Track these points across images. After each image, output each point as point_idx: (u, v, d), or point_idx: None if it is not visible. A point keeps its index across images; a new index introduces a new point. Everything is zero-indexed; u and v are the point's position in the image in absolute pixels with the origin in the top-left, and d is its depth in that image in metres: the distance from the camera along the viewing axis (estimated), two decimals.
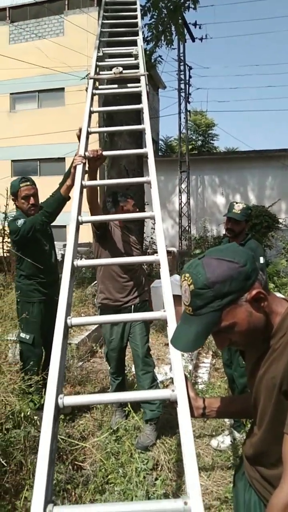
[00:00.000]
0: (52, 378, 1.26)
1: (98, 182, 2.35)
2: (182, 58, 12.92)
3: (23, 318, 2.88)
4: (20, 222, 2.77)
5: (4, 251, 6.91)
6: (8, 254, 6.77)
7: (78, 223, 1.84)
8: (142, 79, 3.03)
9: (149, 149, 2.27)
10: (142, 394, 1.25)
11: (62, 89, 16.41)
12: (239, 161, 14.40)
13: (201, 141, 24.57)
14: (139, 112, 6.31)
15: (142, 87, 2.96)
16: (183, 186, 13.94)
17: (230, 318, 0.99)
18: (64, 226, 9.66)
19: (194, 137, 23.60)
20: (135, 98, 5.38)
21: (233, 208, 2.99)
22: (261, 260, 2.86)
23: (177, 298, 4.37)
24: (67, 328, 1.43)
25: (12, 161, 17.66)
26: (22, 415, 2.50)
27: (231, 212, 2.98)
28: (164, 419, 3.12)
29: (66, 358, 3.67)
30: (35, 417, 2.65)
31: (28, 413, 2.55)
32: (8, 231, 2.98)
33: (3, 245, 6.91)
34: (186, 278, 1.02)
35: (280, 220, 10.78)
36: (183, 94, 13.27)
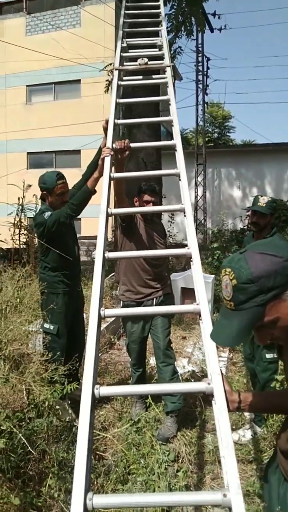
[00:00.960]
0: (88, 369, 1.27)
1: (126, 174, 2.35)
2: (200, 49, 12.76)
3: (48, 309, 2.91)
4: (47, 214, 2.78)
5: (21, 243, 6.95)
6: (25, 246, 6.81)
7: (108, 215, 1.84)
8: (168, 70, 3.00)
9: (177, 141, 2.25)
10: (178, 387, 1.25)
11: (79, 81, 16.36)
12: (256, 154, 14.22)
13: (218, 133, 24.31)
14: (158, 104, 6.28)
15: (168, 78, 2.94)
16: (199, 179, 13.83)
17: (273, 313, 0.98)
18: (79, 219, 9.68)
19: (210, 129, 23.33)
20: (153, 90, 5.35)
21: (258, 201, 2.95)
22: None
23: (190, 292, 4.35)
24: (100, 319, 1.43)
25: (28, 153, 17.73)
26: (46, 404, 2.53)
27: (256, 205, 2.94)
28: (184, 412, 3.13)
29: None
30: (57, 407, 2.68)
31: (51, 403, 2.58)
32: (34, 223, 2.96)
33: (19, 237, 6.95)
34: (227, 273, 1.01)
35: None
36: (200, 86, 13.12)
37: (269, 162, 13.92)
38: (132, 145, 2.35)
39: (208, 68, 13.13)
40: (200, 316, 1.44)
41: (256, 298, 0.97)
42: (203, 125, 13.91)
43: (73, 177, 3.17)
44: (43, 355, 2.70)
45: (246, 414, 3.15)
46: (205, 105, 14.06)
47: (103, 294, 1.53)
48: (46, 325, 2.99)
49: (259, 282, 0.95)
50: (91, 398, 1.21)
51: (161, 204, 2.86)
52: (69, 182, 3.01)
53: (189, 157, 13.49)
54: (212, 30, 13.13)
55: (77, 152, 16.22)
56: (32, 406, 2.51)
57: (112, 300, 5.45)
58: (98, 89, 15.16)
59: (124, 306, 2.98)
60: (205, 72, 12.95)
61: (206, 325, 1.36)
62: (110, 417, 3.13)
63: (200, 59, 12.84)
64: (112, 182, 2.10)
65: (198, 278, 1.51)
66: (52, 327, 2.98)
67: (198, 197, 13.60)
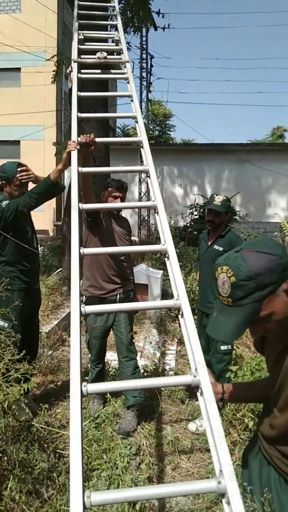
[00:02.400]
0: (74, 367, 1.26)
1: (94, 169, 2.32)
2: (144, 46, 12.84)
3: (1, 305, 2.79)
4: (4, 203, 2.65)
5: None
6: None
7: (80, 211, 1.82)
8: (128, 65, 3.00)
9: (143, 137, 2.27)
10: (163, 380, 1.28)
11: (19, 69, 15.72)
12: (197, 153, 14.62)
13: (158, 131, 24.65)
14: (106, 98, 6.24)
15: (129, 73, 2.94)
16: (143, 175, 13.93)
17: (269, 307, 1.04)
18: None
19: (151, 127, 23.60)
20: (103, 83, 5.27)
21: (214, 200, 3.06)
22: None
23: (141, 288, 4.40)
24: (81, 317, 1.42)
25: None
26: (6, 404, 2.44)
27: (212, 203, 3.05)
28: (142, 405, 3.17)
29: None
30: (13, 406, 2.59)
31: (11, 403, 2.50)
32: None
33: None
34: (225, 271, 1.05)
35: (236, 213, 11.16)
36: (144, 83, 13.21)
37: (209, 161, 14.39)
38: (97, 139, 2.33)
39: (152, 65, 13.26)
40: (179, 311, 1.47)
41: (254, 294, 1.02)
42: (147, 122, 14.02)
43: None
44: None
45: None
46: (150, 102, 14.20)
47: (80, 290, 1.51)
48: (1, 322, 2.88)
49: (257, 279, 1.01)
50: (80, 396, 1.20)
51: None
52: None
53: (132, 153, 13.57)
54: (156, 28, 13.26)
55: (17, 142, 15.61)
56: None
57: (63, 296, 5.34)
58: (39, 78, 14.69)
59: (87, 301, 2.95)
60: (149, 70, 13.06)
61: (187, 320, 1.40)
62: (67, 414, 3.09)
63: (144, 56, 12.93)
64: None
65: (176, 274, 1.54)
66: (6, 325, 2.87)
67: (142, 194, 13.72)
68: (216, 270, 1.09)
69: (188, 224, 11.18)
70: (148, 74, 13.10)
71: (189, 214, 11.58)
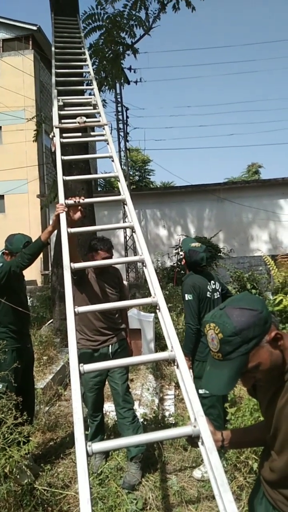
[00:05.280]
0: (78, 428, 1.30)
1: (82, 229, 2.43)
2: (119, 99, 13.53)
3: None
4: None
5: None
6: None
7: (72, 270, 1.91)
8: (106, 128, 3.21)
9: (126, 195, 2.41)
10: (164, 433, 1.32)
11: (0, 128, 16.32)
12: (178, 195, 15.08)
13: (138, 176, 25.42)
14: (86, 150, 6.52)
15: (107, 135, 3.14)
16: (127, 220, 14.22)
17: (255, 359, 1.13)
18: None
19: (131, 173, 24.34)
20: (81, 146, 5.53)
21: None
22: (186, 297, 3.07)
23: (134, 332, 4.43)
24: (80, 375, 1.47)
25: None
26: (7, 469, 2.40)
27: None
28: (144, 456, 3.14)
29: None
30: (14, 470, 2.55)
31: (9, 468, 2.45)
32: None
33: None
34: (212, 328, 1.15)
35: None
36: (122, 133, 13.80)
37: (189, 202, 14.84)
38: (84, 201, 2.46)
39: (127, 117, 13.93)
40: (174, 362, 1.54)
41: (240, 348, 1.12)
42: (127, 170, 14.52)
43: None
44: None
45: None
46: (128, 151, 14.76)
47: (78, 351, 1.58)
48: None
49: (241, 334, 1.11)
50: (85, 456, 1.24)
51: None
52: None
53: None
54: (128, 82, 14.03)
55: (1, 197, 15.90)
56: None
57: (56, 349, 5.31)
58: (20, 136, 15.26)
59: (80, 353, 2.98)
60: (125, 121, 13.70)
61: (183, 370, 1.47)
62: (69, 473, 3.03)
63: (120, 108, 13.60)
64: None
65: (169, 325, 1.62)
66: (1, 386, 2.86)
67: (127, 237, 13.94)
68: (205, 327, 1.19)
69: (175, 264, 11.35)
70: (125, 125, 13.72)
71: (175, 254, 11.78)
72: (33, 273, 14.62)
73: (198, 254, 3.11)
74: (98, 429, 3.11)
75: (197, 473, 2.95)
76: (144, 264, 1.99)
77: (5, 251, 2.95)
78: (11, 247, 2.94)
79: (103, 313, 2.91)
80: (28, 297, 3.13)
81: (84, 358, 2.94)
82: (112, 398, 3.05)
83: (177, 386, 5.02)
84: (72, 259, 2.58)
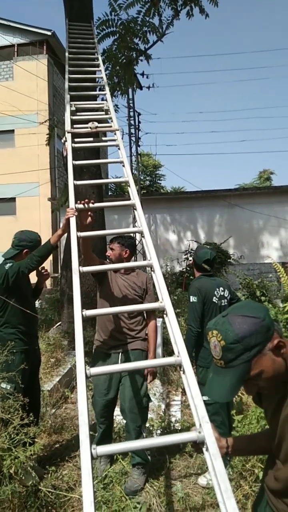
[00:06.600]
0: (83, 430, 1.31)
1: (92, 233, 2.45)
2: (131, 105, 13.63)
3: (4, 368, 2.83)
4: (8, 265, 2.77)
5: None
6: None
7: (80, 274, 1.93)
8: (118, 133, 3.24)
9: (136, 201, 2.42)
10: (169, 438, 1.33)
11: (12, 131, 16.50)
12: (188, 200, 15.07)
13: (149, 181, 25.48)
14: (98, 155, 6.58)
15: (119, 140, 3.17)
16: (137, 224, 14.25)
17: (258, 366, 1.13)
18: None
19: (142, 177, 24.43)
20: (92, 150, 5.59)
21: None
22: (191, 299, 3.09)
23: None
24: (86, 379, 1.49)
25: None
26: (13, 470, 2.42)
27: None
28: (149, 461, 3.13)
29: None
30: (19, 470, 2.56)
31: (18, 469, 2.47)
32: None
33: None
34: (215, 335, 1.16)
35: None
36: (133, 138, 13.88)
37: (200, 207, 14.81)
38: (94, 205, 2.48)
39: (139, 122, 14.00)
40: (181, 367, 1.55)
41: (242, 355, 1.12)
42: (138, 175, 14.58)
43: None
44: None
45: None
46: (138, 156, 14.83)
47: (84, 355, 1.59)
48: (3, 385, 2.89)
49: (243, 341, 1.11)
50: (90, 459, 1.25)
51: (132, 255, 2.96)
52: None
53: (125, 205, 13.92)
54: (141, 88, 14.13)
55: (12, 200, 16.07)
56: None
57: (63, 352, 5.33)
58: (32, 139, 15.44)
59: (95, 352, 2.97)
60: (137, 126, 13.77)
61: (188, 376, 1.48)
62: (74, 476, 3.03)
63: (132, 114, 13.68)
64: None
65: (175, 330, 1.63)
66: (9, 387, 2.89)
67: (137, 242, 13.96)
68: (208, 334, 1.19)
69: (184, 269, 11.33)
70: (136, 130, 13.79)
71: (184, 259, 11.76)
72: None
73: (203, 249, 3.14)
74: (104, 434, 3.05)
75: (202, 480, 2.94)
76: (152, 269, 2.00)
77: (25, 250, 2.97)
78: (32, 243, 2.97)
79: (116, 316, 2.84)
80: (37, 299, 3.15)
81: (97, 359, 2.93)
82: (120, 409, 3.00)
83: (184, 392, 4.99)
84: (88, 261, 2.60)
